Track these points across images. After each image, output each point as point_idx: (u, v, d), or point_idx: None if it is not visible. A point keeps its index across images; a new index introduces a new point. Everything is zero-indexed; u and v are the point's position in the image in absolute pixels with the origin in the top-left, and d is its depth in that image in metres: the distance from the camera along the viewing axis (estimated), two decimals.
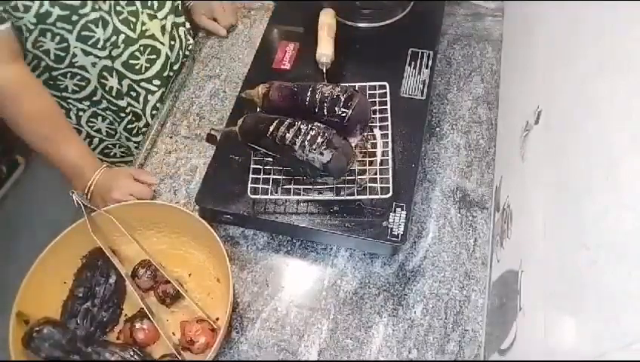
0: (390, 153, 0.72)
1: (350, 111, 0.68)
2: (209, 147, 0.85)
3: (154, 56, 0.91)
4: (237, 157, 0.77)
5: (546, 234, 0.53)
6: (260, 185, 0.71)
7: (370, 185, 0.70)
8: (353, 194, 0.70)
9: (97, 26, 0.80)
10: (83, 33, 0.79)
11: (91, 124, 0.94)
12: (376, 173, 0.71)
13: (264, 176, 0.72)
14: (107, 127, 0.96)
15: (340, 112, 0.68)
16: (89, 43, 0.81)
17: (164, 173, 0.85)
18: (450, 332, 0.69)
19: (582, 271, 0.43)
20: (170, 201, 0.82)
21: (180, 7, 0.96)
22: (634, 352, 0.33)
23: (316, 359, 0.68)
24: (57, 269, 0.70)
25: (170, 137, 0.89)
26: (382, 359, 0.68)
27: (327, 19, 0.85)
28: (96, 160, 0.83)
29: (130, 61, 0.87)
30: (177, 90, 0.95)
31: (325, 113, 0.68)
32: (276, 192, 0.72)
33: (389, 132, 0.74)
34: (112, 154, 1.01)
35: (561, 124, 0.56)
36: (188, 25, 1.00)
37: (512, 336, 0.56)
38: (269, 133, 0.68)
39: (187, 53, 1.00)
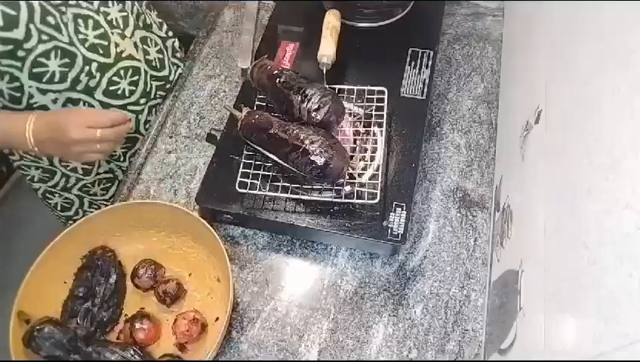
0: (382, 159, 0.72)
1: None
2: (209, 147, 0.85)
3: (136, 77, 0.86)
4: (237, 157, 0.77)
5: (546, 234, 0.53)
6: (249, 180, 0.72)
7: (359, 189, 0.70)
8: (341, 197, 0.70)
9: (49, 59, 0.72)
10: (35, 71, 0.72)
11: (65, 163, 0.89)
12: (367, 178, 0.71)
13: (254, 172, 0.73)
14: (83, 166, 0.91)
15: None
16: (44, 80, 0.74)
17: (164, 173, 0.85)
18: (450, 332, 0.69)
19: (582, 271, 0.43)
20: (170, 201, 0.82)
21: (146, 21, 0.91)
22: (634, 352, 0.33)
23: (316, 359, 0.68)
24: (57, 269, 0.70)
25: (170, 137, 0.89)
26: (382, 359, 0.68)
27: (332, 21, 0.84)
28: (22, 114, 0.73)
29: (111, 88, 0.82)
30: (177, 90, 0.95)
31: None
32: (264, 188, 0.72)
33: (383, 138, 0.74)
34: (91, 192, 0.96)
35: (561, 124, 0.56)
36: (161, 34, 0.95)
37: (512, 336, 0.56)
38: (269, 133, 0.68)
39: (177, 57, 0.98)
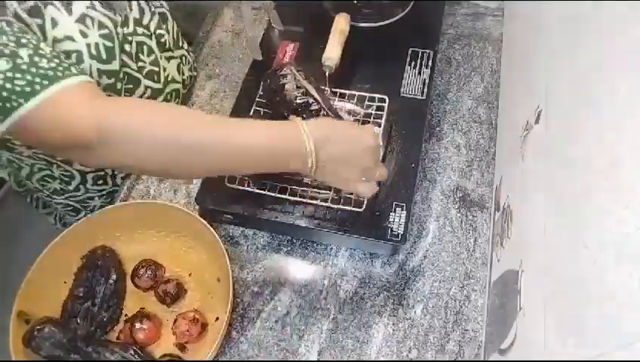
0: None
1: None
2: None
3: (177, 100, 0.86)
4: None
5: (546, 234, 0.53)
6: (238, 176, 0.72)
7: (346, 195, 0.70)
8: (327, 201, 0.70)
9: (127, 84, 0.73)
10: None
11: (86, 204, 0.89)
12: None
13: None
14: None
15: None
16: None
17: None
18: (450, 332, 0.69)
19: (582, 270, 0.43)
20: (170, 201, 0.82)
21: (180, 37, 0.89)
22: (634, 352, 0.33)
23: (316, 359, 0.68)
24: (57, 269, 0.70)
25: None
26: (382, 359, 0.68)
27: (341, 24, 0.84)
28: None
29: None
30: None
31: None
32: (253, 185, 0.72)
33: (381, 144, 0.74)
34: None
35: (561, 124, 0.56)
36: (186, 47, 0.93)
37: (512, 336, 0.56)
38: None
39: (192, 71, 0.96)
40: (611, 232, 0.40)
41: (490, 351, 0.64)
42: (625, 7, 0.46)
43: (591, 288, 0.41)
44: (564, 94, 0.57)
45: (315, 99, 0.71)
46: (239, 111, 0.80)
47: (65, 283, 0.72)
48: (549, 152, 0.57)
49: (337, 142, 0.54)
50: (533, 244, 0.56)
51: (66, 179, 0.81)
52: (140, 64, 0.75)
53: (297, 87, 0.72)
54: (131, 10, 0.72)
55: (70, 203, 0.87)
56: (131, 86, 0.74)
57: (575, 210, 0.47)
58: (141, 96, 0.77)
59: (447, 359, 0.67)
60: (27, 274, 0.67)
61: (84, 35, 0.63)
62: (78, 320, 0.68)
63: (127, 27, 0.71)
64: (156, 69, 0.79)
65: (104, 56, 0.65)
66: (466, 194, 0.80)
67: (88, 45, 0.64)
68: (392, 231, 0.69)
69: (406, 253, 0.75)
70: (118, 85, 0.70)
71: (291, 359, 0.68)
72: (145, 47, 0.76)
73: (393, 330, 0.70)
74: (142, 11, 0.75)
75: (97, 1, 0.65)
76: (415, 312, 0.71)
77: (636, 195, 0.37)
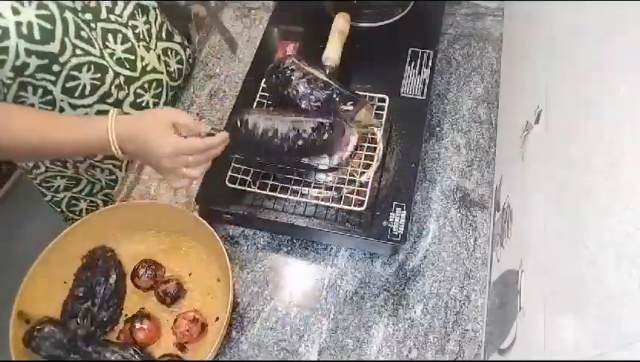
0: (374, 167, 0.72)
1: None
2: None
3: (159, 90, 0.86)
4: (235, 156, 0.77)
5: (546, 234, 0.53)
6: (240, 176, 0.72)
7: (347, 195, 0.71)
8: (327, 201, 0.71)
9: (81, 72, 0.72)
10: (68, 85, 0.72)
11: (90, 173, 0.91)
12: (357, 185, 0.71)
13: (245, 167, 0.73)
14: (107, 178, 0.92)
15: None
16: (75, 95, 0.74)
17: None
18: (450, 332, 0.69)
19: (582, 270, 0.43)
20: (170, 201, 0.82)
21: (168, 29, 0.90)
22: (634, 352, 0.33)
23: (316, 359, 0.68)
24: (57, 269, 0.70)
25: None
26: (382, 359, 0.68)
27: (340, 24, 0.84)
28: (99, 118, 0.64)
29: (137, 100, 0.83)
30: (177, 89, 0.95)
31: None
32: (254, 185, 0.72)
33: (380, 146, 0.74)
34: (109, 203, 0.95)
35: (561, 124, 0.56)
36: (179, 41, 0.93)
37: (512, 336, 0.56)
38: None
39: (189, 63, 0.96)
40: (611, 232, 0.40)
41: (490, 351, 0.64)
42: (625, 7, 0.46)
43: (591, 288, 0.41)
44: (564, 94, 0.57)
45: (325, 82, 0.72)
46: (239, 111, 0.81)
47: (65, 283, 0.72)
48: (549, 152, 0.57)
49: (138, 142, 0.62)
50: (533, 244, 0.56)
51: None
52: (109, 51, 0.76)
53: (303, 76, 0.72)
54: None
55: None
56: (99, 75, 0.75)
57: (575, 210, 0.47)
58: (112, 83, 0.77)
59: (447, 359, 0.67)
60: (27, 274, 0.67)
61: (15, 11, 0.62)
62: (78, 320, 0.68)
63: (91, 13, 0.72)
64: (131, 57, 0.79)
65: (37, 37, 0.65)
66: (466, 194, 0.80)
67: (19, 23, 0.63)
68: (392, 231, 0.69)
69: (406, 253, 0.75)
70: (56, 68, 0.69)
71: (291, 359, 0.68)
72: (119, 35, 0.76)
73: (393, 330, 0.70)
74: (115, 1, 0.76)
75: None
76: (415, 312, 0.71)
77: (636, 195, 0.37)
